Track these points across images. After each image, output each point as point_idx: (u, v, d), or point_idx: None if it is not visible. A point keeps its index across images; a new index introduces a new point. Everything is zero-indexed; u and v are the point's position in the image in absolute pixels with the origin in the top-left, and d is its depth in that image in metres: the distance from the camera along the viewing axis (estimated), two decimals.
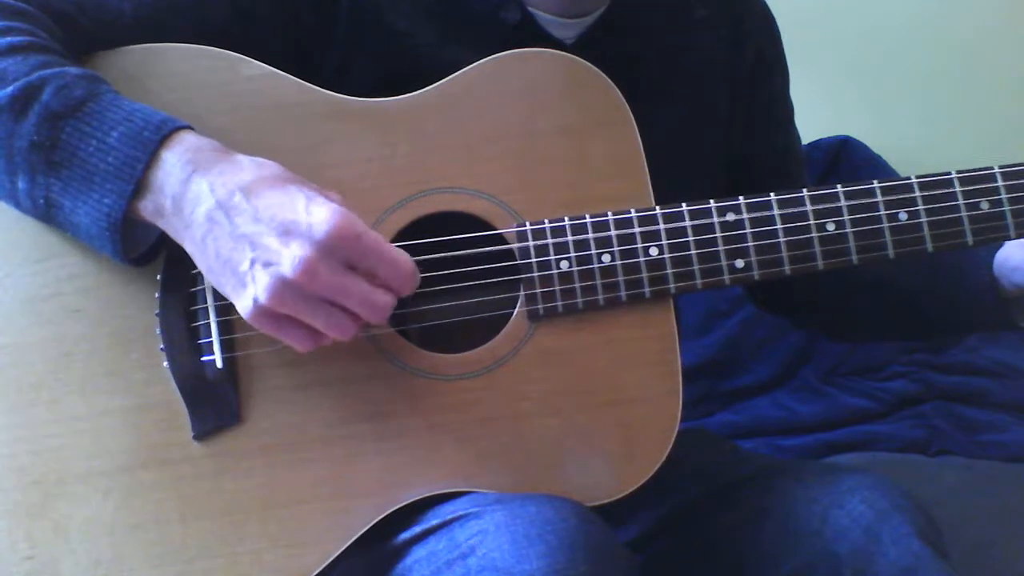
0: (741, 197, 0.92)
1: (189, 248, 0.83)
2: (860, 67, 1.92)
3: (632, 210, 0.91)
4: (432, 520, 0.88)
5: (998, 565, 1.38)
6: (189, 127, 0.84)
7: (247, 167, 0.82)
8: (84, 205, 0.83)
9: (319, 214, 0.78)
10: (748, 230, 0.91)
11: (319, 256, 0.77)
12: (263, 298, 0.78)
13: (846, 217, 0.91)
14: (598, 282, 0.90)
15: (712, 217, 0.91)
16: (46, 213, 0.85)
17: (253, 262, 0.79)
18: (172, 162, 0.81)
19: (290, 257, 0.77)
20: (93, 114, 0.82)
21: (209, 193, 0.80)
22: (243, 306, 0.80)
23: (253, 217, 0.79)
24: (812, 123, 1.56)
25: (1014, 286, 1.00)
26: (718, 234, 0.91)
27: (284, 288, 0.78)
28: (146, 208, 0.82)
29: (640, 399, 0.90)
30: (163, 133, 0.82)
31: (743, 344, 1.78)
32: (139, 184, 0.81)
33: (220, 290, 0.83)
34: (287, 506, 0.88)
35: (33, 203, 0.85)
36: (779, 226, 0.91)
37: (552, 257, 0.91)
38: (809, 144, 1.76)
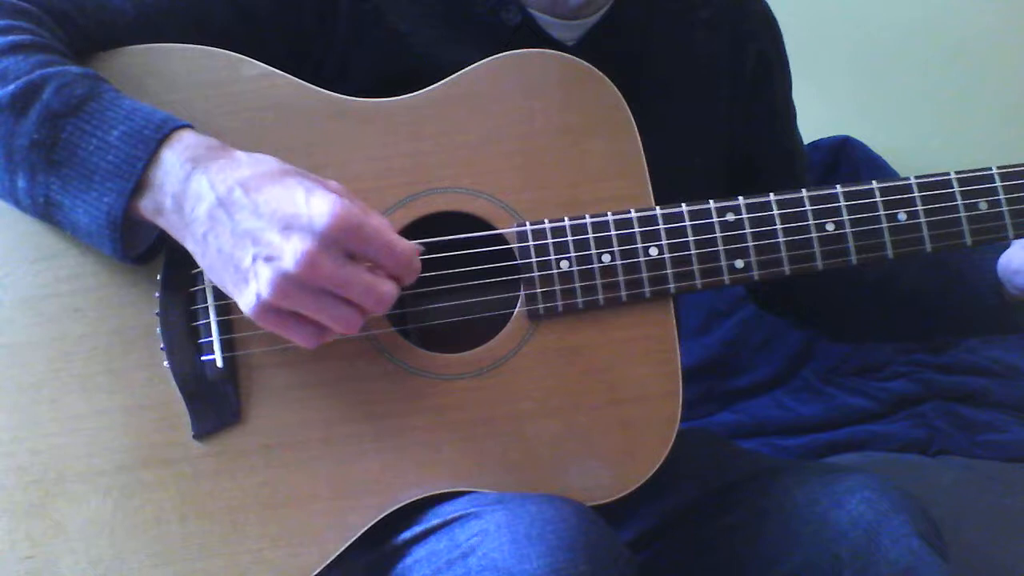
0: (740, 197, 0.92)
1: (190, 246, 0.83)
2: (860, 67, 1.92)
3: (632, 210, 0.91)
4: (432, 520, 0.88)
5: (998, 565, 1.38)
6: (189, 126, 0.84)
7: (245, 162, 0.82)
8: (84, 204, 0.83)
9: (319, 206, 0.78)
10: (748, 230, 0.91)
11: (320, 248, 0.77)
12: (266, 293, 0.78)
13: (845, 217, 0.91)
14: (598, 282, 0.91)
15: (712, 217, 0.91)
16: (45, 212, 0.85)
17: (255, 258, 0.78)
18: (172, 161, 0.81)
19: (292, 251, 0.77)
20: (94, 113, 0.82)
21: (209, 190, 0.80)
22: (246, 303, 0.80)
23: (254, 212, 0.79)
24: (812, 123, 1.55)
25: (1017, 289, 1.00)
26: (718, 234, 0.91)
27: (286, 282, 0.78)
28: (146, 207, 0.82)
29: (640, 399, 0.90)
30: (164, 132, 0.82)
31: (743, 344, 1.78)
32: (139, 182, 0.81)
33: (222, 288, 0.83)
34: (287, 505, 0.88)
35: (33, 202, 0.85)
36: (778, 226, 0.91)
37: (552, 257, 0.91)
38: (809, 144, 1.76)
